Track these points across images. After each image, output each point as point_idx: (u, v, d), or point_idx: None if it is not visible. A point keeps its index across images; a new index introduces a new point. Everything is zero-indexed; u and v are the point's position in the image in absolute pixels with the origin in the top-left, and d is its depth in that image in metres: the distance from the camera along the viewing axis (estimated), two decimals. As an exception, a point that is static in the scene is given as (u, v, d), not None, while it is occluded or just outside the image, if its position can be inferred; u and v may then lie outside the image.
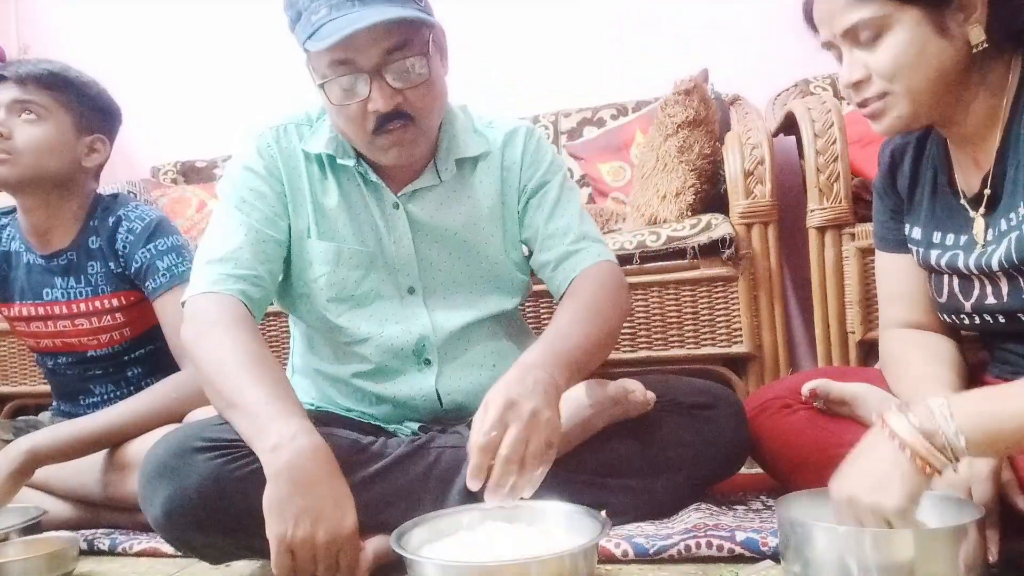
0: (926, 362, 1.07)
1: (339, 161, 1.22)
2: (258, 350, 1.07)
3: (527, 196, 1.29)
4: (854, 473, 0.85)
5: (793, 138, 1.95)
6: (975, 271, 1.01)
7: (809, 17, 1.04)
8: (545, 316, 1.87)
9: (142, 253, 1.52)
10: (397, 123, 1.12)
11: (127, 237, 1.53)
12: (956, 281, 1.06)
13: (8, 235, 1.63)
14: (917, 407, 0.83)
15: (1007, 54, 0.98)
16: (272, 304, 1.27)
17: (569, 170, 2.00)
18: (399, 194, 1.23)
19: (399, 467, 1.10)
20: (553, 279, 1.26)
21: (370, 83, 1.09)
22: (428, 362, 1.25)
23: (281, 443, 0.94)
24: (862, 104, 1.00)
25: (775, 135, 1.96)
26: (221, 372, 1.04)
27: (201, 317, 1.11)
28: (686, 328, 1.80)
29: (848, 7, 0.96)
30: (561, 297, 1.24)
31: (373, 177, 1.22)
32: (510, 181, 1.29)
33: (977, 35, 0.94)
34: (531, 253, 1.31)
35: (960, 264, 1.03)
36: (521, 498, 0.96)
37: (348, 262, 1.23)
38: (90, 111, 1.56)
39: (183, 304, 1.16)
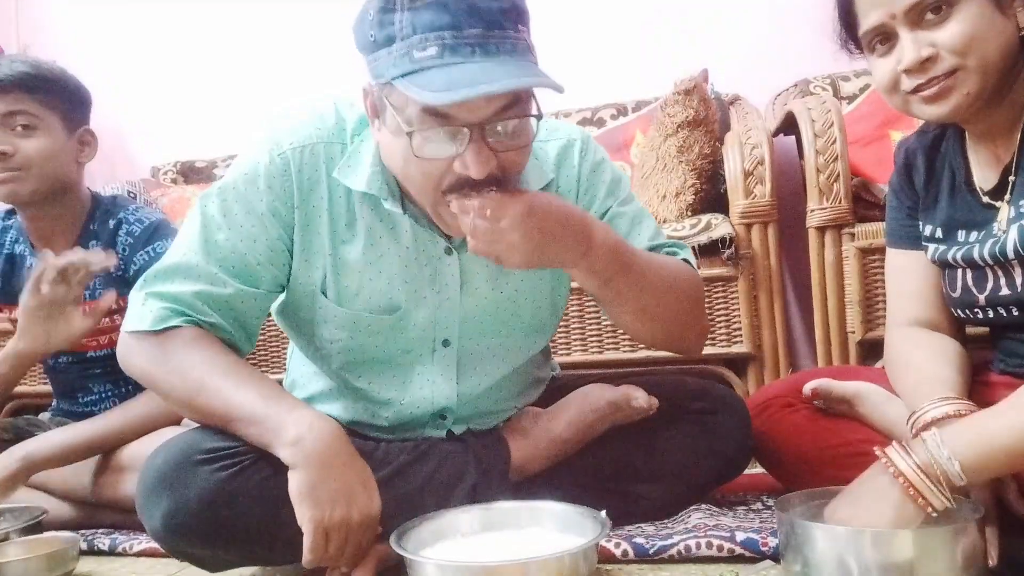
0: (930, 362, 1.07)
1: (385, 207, 1.05)
2: (232, 358, 1.03)
3: None
4: (847, 500, 0.88)
5: (793, 138, 1.95)
6: (989, 260, 1.02)
7: (845, 6, 1.03)
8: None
9: (141, 255, 1.52)
10: (481, 189, 0.94)
11: (127, 240, 1.53)
12: (970, 274, 1.06)
13: (11, 238, 1.63)
14: (915, 445, 0.86)
15: None
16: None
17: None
18: (453, 240, 1.09)
19: (401, 475, 1.09)
20: None
21: (468, 141, 0.92)
22: (444, 417, 1.19)
23: (301, 433, 0.94)
24: (924, 86, 0.97)
25: (775, 135, 1.96)
26: (201, 392, 1.00)
27: (150, 351, 1.02)
28: (686, 328, 1.79)
29: None
30: None
31: (423, 223, 1.07)
32: None
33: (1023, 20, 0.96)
34: None
35: (975, 255, 1.03)
36: None
37: (368, 328, 1.11)
38: (71, 105, 1.54)
39: (125, 334, 1.06)
